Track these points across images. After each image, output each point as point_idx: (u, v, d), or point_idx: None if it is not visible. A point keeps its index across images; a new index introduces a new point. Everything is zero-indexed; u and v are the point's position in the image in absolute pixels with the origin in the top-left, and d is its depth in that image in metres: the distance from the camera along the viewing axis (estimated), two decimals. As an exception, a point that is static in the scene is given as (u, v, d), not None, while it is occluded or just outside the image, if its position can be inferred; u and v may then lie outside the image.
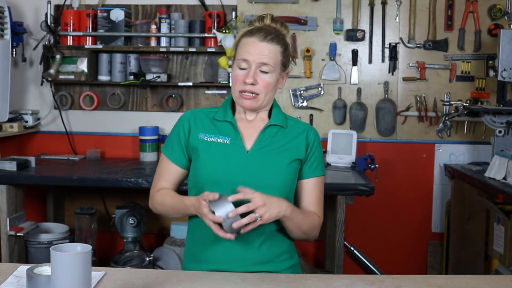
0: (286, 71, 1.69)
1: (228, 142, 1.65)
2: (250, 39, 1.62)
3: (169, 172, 1.71)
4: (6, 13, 3.21)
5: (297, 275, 1.60)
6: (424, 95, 3.42)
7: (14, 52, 3.38)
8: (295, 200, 1.71)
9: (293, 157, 1.66)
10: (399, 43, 3.41)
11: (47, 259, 1.17)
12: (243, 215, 1.47)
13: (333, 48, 3.42)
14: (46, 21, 3.38)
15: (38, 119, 3.59)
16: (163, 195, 1.69)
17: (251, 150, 1.64)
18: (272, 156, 1.64)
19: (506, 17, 3.34)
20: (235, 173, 1.61)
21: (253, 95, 1.62)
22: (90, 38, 3.44)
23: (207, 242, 1.64)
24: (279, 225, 1.65)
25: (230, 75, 1.76)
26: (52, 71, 3.36)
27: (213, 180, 1.61)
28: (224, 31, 3.30)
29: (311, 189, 1.70)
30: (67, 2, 3.48)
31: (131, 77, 3.43)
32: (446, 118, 3.39)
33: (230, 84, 1.63)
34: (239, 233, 1.48)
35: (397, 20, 3.41)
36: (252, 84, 1.60)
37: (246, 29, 1.66)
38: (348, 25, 3.43)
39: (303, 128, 1.71)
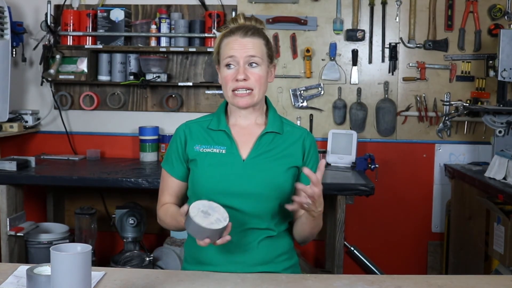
0: (273, 64, 1.69)
1: (223, 151, 1.64)
2: (231, 38, 1.63)
3: (171, 187, 1.72)
4: (6, 13, 3.21)
5: (297, 275, 1.60)
6: (424, 95, 3.42)
7: (14, 52, 3.38)
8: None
9: (290, 164, 1.65)
10: (399, 43, 3.41)
11: (47, 259, 1.17)
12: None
13: (333, 48, 3.42)
14: (46, 21, 3.38)
15: (38, 119, 3.59)
16: (164, 211, 1.69)
17: (247, 159, 1.63)
18: (268, 163, 1.63)
19: (506, 17, 3.33)
20: (232, 182, 1.60)
21: (248, 91, 1.61)
22: (90, 38, 3.44)
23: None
24: (277, 227, 1.65)
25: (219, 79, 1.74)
26: (52, 71, 3.35)
27: (210, 190, 1.61)
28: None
29: None
30: (67, 2, 3.49)
31: (131, 77, 3.42)
32: (446, 118, 3.39)
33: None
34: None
35: (397, 20, 3.41)
36: (244, 79, 1.60)
37: (224, 31, 1.67)
38: (348, 25, 3.43)
39: (300, 134, 1.71)
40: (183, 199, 1.74)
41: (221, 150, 1.64)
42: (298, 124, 3.37)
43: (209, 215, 1.42)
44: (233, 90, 1.62)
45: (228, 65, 1.62)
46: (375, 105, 3.44)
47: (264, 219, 1.63)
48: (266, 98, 1.74)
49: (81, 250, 1.19)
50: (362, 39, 3.41)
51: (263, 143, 1.65)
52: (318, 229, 1.67)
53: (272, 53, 1.68)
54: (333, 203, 2.87)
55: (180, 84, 3.40)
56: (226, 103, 1.73)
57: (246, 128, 1.68)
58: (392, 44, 3.41)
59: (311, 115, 3.47)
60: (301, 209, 1.55)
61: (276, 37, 3.42)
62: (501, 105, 3.06)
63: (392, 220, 3.50)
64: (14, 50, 3.38)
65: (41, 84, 3.47)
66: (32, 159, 3.06)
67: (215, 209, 1.44)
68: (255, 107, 1.67)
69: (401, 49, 3.42)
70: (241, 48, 1.61)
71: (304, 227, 1.64)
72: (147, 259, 3.10)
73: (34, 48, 3.49)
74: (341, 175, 3.05)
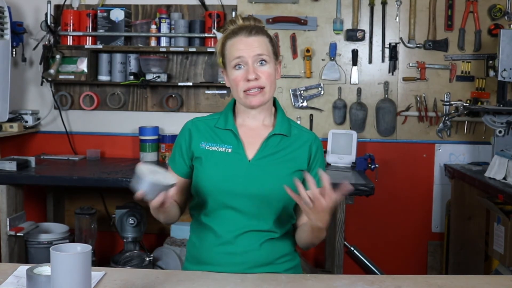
0: (278, 60, 1.68)
1: (229, 150, 1.63)
2: (236, 39, 1.62)
3: None
4: (6, 13, 3.21)
5: (297, 275, 1.59)
6: (424, 95, 3.42)
7: (14, 52, 3.38)
8: (299, 210, 1.69)
9: (295, 167, 1.64)
10: (399, 43, 3.41)
11: (47, 259, 1.17)
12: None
13: (333, 48, 3.42)
14: (46, 21, 3.38)
15: (38, 119, 3.59)
16: None
17: (253, 159, 1.62)
18: (274, 165, 1.62)
19: (506, 17, 3.33)
20: (236, 182, 1.59)
21: (259, 90, 1.60)
22: (90, 38, 3.44)
23: (207, 245, 1.64)
24: (279, 229, 1.65)
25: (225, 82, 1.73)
26: (52, 71, 3.35)
27: (214, 189, 1.60)
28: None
29: None
30: (67, 2, 3.49)
31: (131, 77, 3.42)
32: (446, 118, 3.39)
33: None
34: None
35: (397, 20, 3.41)
36: (256, 79, 1.59)
37: (226, 33, 1.66)
38: (348, 25, 3.43)
39: (306, 138, 1.69)
40: (184, 195, 1.74)
41: (227, 149, 1.63)
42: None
43: (158, 173, 1.44)
44: (244, 91, 1.60)
45: (236, 66, 1.61)
46: (375, 105, 3.44)
47: (267, 221, 1.62)
48: (274, 99, 1.73)
49: (81, 250, 1.19)
50: (362, 39, 3.41)
51: (270, 145, 1.64)
52: (320, 240, 1.65)
53: (276, 50, 1.68)
54: (333, 203, 2.87)
55: (180, 84, 3.40)
56: (234, 103, 1.71)
57: (253, 129, 1.67)
58: (392, 44, 3.41)
59: (311, 115, 3.47)
60: (304, 217, 1.53)
61: (276, 37, 3.42)
62: (501, 105, 3.06)
63: (392, 220, 3.50)
64: (14, 50, 3.38)
65: (41, 84, 3.47)
66: (32, 159, 3.06)
67: (160, 171, 1.47)
68: (263, 107, 1.66)
69: (401, 49, 3.42)
70: (247, 48, 1.60)
71: (305, 235, 1.63)
72: (147, 259, 3.10)
73: (34, 48, 3.49)
74: (341, 175, 3.05)
